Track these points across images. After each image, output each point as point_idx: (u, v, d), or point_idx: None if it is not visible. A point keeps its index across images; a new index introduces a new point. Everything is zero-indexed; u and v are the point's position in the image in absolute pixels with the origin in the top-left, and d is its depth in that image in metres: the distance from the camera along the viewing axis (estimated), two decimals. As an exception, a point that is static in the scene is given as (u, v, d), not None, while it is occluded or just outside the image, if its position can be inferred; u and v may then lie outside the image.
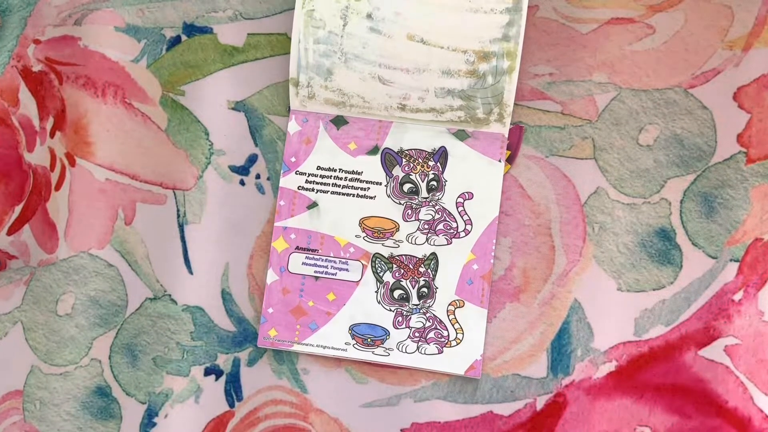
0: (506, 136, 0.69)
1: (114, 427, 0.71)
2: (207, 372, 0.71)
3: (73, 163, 0.71)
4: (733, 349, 0.66)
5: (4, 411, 0.72)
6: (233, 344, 0.71)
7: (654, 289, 0.68)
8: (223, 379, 0.70)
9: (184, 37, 0.71)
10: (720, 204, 0.68)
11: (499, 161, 0.69)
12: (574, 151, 0.69)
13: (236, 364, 0.70)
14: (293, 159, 0.70)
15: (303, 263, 0.70)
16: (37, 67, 0.71)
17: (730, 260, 0.67)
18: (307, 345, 0.69)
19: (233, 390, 0.70)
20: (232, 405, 0.70)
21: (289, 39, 0.70)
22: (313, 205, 0.70)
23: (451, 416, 0.69)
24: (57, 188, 0.71)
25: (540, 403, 0.68)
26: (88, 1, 0.72)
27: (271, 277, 0.70)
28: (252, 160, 0.71)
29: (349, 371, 0.70)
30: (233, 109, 0.71)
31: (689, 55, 0.68)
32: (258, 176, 0.71)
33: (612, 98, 0.69)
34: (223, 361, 0.71)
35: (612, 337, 0.68)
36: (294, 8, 0.69)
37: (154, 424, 0.70)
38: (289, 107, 0.70)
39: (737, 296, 0.67)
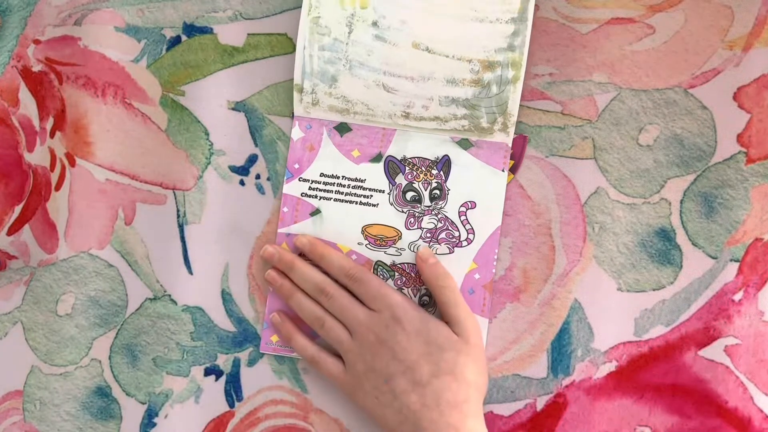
0: (510, 145, 0.69)
1: (114, 427, 0.71)
2: (207, 372, 0.71)
3: (73, 163, 0.71)
4: (733, 349, 0.66)
5: (4, 411, 0.72)
6: (233, 344, 0.71)
7: (654, 289, 0.68)
8: (223, 379, 0.70)
9: (184, 37, 0.71)
10: (720, 204, 0.67)
11: (503, 171, 0.69)
12: (574, 151, 0.69)
13: (236, 364, 0.70)
14: (297, 165, 0.70)
15: (303, 264, 0.70)
16: (37, 67, 0.71)
17: (730, 260, 0.67)
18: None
19: (233, 390, 0.70)
20: (232, 405, 0.70)
21: (289, 39, 0.70)
22: (316, 212, 0.70)
23: (451, 416, 0.68)
24: (57, 188, 0.71)
25: (540, 404, 0.68)
26: (88, 1, 0.72)
27: (272, 277, 0.70)
28: (252, 160, 0.71)
29: (349, 371, 0.70)
30: (233, 109, 0.71)
31: (689, 55, 0.68)
32: (258, 176, 0.71)
33: (612, 98, 0.69)
34: (223, 362, 0.70)
35: (612, 338, 0.68)
36: (295, 8, 0.69)
37: (154, 425, 0.70)
38: (293, 113, 0.70)
39: (737, 296, 0.67)
